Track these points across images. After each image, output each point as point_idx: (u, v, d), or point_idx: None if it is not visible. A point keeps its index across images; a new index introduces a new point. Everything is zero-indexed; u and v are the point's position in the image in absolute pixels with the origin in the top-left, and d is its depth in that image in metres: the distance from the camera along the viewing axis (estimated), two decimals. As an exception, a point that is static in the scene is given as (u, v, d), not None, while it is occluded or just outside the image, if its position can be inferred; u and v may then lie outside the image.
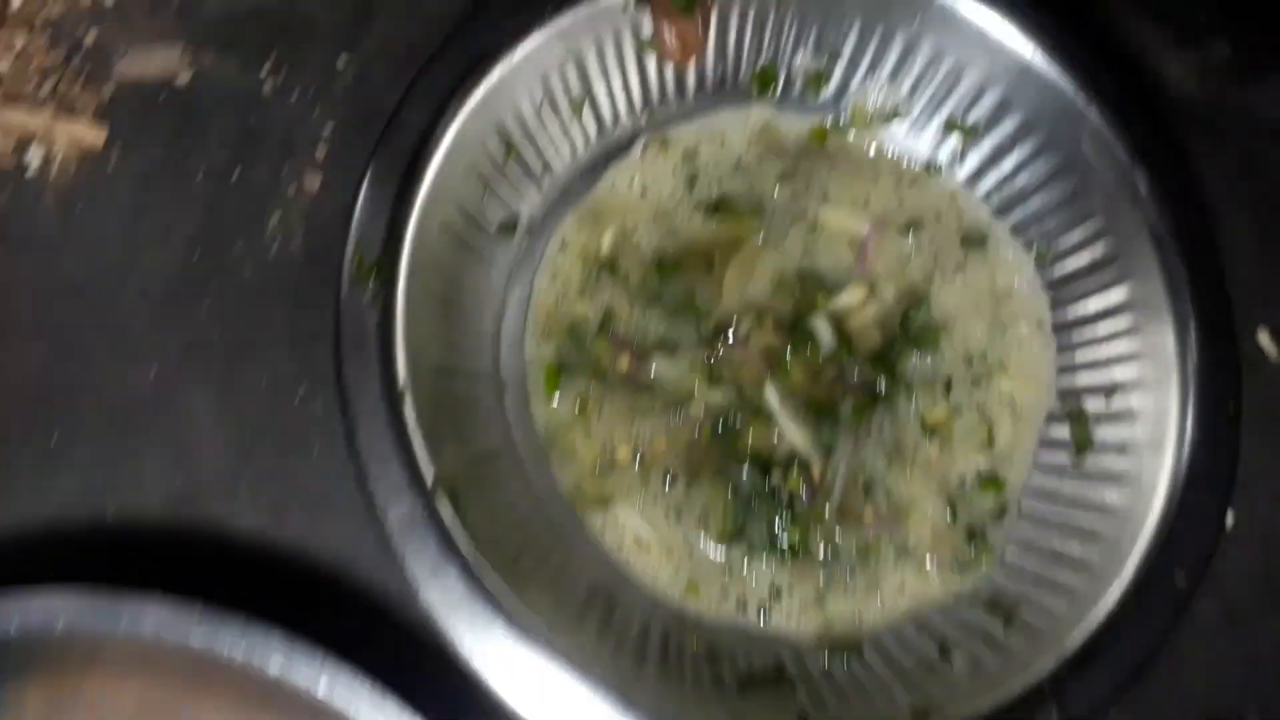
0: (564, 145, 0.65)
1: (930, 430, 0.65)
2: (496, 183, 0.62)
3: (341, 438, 0.54)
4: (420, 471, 0.52)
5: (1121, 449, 0.62)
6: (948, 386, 0.65)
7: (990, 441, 0.65)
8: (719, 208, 0.67)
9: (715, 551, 0.63)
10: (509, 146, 0.62)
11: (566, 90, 0.64)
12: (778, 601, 0.62)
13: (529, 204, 0.65)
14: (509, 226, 0.64)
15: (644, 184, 0.67)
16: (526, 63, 0.60)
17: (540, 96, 0.62)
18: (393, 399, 0.53)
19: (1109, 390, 0.63)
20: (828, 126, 0.69)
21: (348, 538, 0.60)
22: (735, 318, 0.65)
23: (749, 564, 0.63)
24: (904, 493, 0.64)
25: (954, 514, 0.64)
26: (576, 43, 0.61)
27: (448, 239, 0.59)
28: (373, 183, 0.55)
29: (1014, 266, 0.67)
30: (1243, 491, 0.66)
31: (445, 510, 0.52)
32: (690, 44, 0.57)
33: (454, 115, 0.58)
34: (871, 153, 0.69)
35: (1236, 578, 0.68)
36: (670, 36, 0.57)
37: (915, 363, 0.66)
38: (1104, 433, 0.63)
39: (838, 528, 0.63)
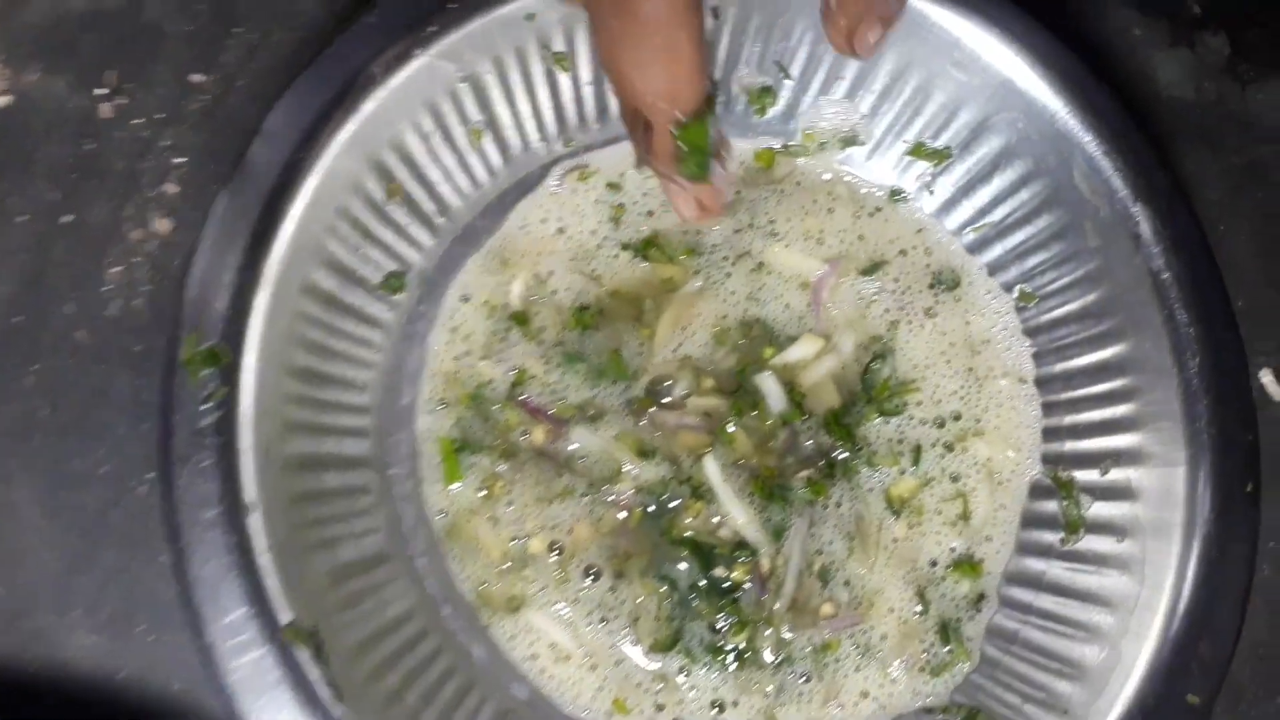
0: (462, 180, 0.55)
1: (897, 506, 0.55)
2: (377, 229, 0.52)
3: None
4: (271, 612, 0.42)
5: (1120, 531, 0.53)
6: (916, 454, 0.56)
7: (966, 516, 0.56)
8: (649, 247, 0.57)
9: (647, 661, 0.53)
10: (391, 185, 0.51)
11: (462, 117, 0.53)
12: (721, 718, 0.53)
13: (421, 251, 0.54)
14: (395, 279, 0.53)
15: (560, 221, 0.57)
16: (409, 87, 0.49)
17: (429, 125, 0.52)
18: (235, 520, 0.42)
19: (1104, 460, 0.54)
20: (776, 150, 0.59)
21: (151, 665, 0.50)
22: (669, 378, 0.55)
23: (687, 674, 0.53)
24: (867, 582, 0.55)
25: (925, 605, 0.55)
26: (470, 62, 0.51)
27: (315, 302, 0.49)
28: (214, 242, 0.45)
29: (992, 313, 0.58)
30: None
31: (302, 657, 0.42)
32: (710, 207, 0.46)
33: (319, 152, 0.47)
34: (826, 179, 0.59)
35: (1240, 653, 0.60)
36: (683, 203, 0.46)
37: (879, 426, 0.56)
38: (1099, 510, 0.54)
39: (790, 627, 0.54)
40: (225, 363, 0.44)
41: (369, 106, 0.48)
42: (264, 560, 0.43)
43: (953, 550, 0.56)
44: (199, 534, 0.42)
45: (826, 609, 0.54)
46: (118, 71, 0.57)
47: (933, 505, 0.56)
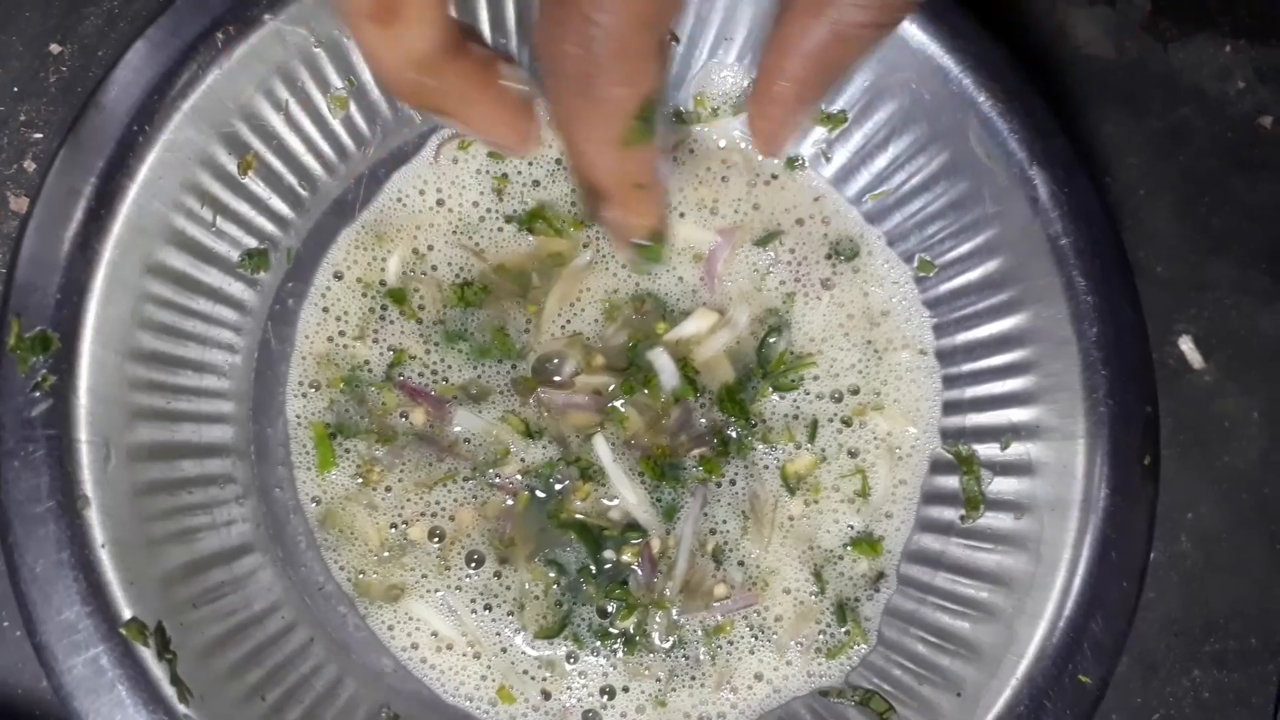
0: (328, 150, 0.52)
1: (793, 483, 0.54)
2: (232, 203, 0.49)
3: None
4: (109, 609, 0.40)
5: (1018, 508, 0.51)
6: (812, 429, 0.54)
7: (865, 492, 0.54)
8: (535, 219, 0.55)
9: (533, 647, 0.51)
10: (245, 158, 0.49)
11: (322, 84, 0.50)
12: (610, 704, 0.51)
13: (285, 226, 0.52)
14: (257, 256, 0.51)
15: (439, 192, 0.55)
16: (256, 54, 0.47)
17: (283, 93, 0.49)
18: (69, 515, 0.40)
19: (1004, 434, 0.52)
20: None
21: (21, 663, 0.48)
22: (557, 355, 0.53)
23: (575, 660, 0.52)
24: (762, 562, 0.53)
25: (821, 585, 0.53)
26: (324, 26, 0.48)
27: (163, 282, 0.46)
28: (43, 221, 0.42)
29: (891, 283, 0.56)
30: (1161, 523, 0.58)
31: (143, 655, 0.40)
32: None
33: (159, 124, 0.44)
34: (722, 146, 0.57)
35: (1154, 625, 0.59)
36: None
37: (774, 402, 0.54)
38: (999, 486, 0.52)
39: (681, 609, 0.52)
40: (56, 349, 0.41)
41: (212, 75, 0.45)
42: (101, 555, 0.41)
43: (851, 528, 0.54)
44: (29, 529, 0.40)
45: (720, 590, 0.53)
46: (-31, 42, 0.54)
47: (830, 482, 0.54)
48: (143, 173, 0.44)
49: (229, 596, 0.46)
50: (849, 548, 0.54)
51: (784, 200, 0.56)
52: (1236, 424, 0.62)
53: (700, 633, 0.52)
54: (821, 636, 0.53)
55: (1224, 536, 0.60)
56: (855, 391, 0.55)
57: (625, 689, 0.52)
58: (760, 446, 0.54)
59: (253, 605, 0.47)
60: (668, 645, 0.52)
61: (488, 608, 0.52)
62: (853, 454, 0.55)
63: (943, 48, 0.51)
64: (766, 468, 0.54)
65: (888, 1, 0.32)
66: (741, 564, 0.53)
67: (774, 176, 0.56)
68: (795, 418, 0.54)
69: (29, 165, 0.54)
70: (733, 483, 0.54)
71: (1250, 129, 0.66)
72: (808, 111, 0.36)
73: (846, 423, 0.55)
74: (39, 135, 0.54)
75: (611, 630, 0.52)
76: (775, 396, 0.54)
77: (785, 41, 0.33)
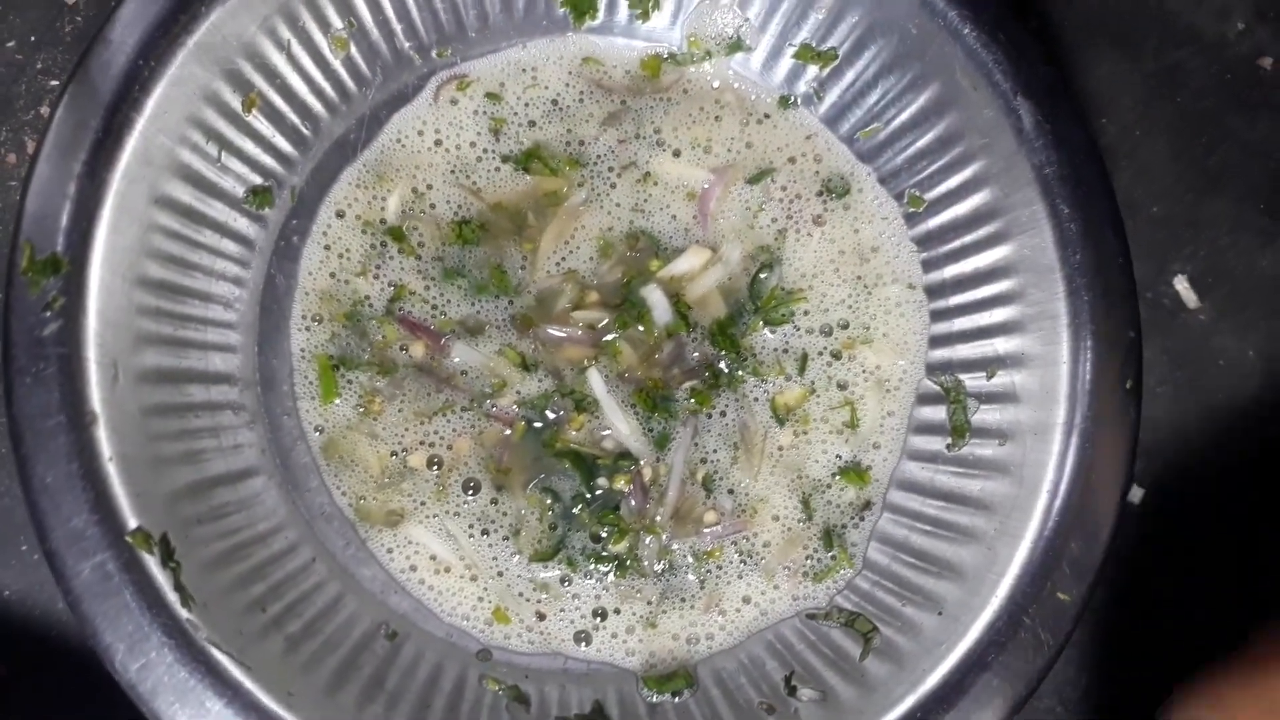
0: (329, 89, 0.54)
1: (783, 414, 0.55)
2: (237, 140, 0.51)
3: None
4: (115, 519, 0.42)
5: (1003, 435, 0.52)
6: (802, 362, 0.55)
7: (853, 423, 0.55)
8: (531, 159, 0.56)
9: (528, 570, 0.53)
10: (249, 95, 0.51)
11: (322, 24, 0.52)
12: (602, 625, 0.53)
13: (289, 165, 0.54)
14: (262, 193, 0.53)
15: (438, 133, 0.56)
16: (256, -9, 0.48)
17: (285, 33, 0.51)
18: (78, 429, 0.42)
19: (990, 365, 0.53)
20: (663, 58, 0.57)
21: (42, 589, 0.50)
22: (553, 290, 0.55)
23: (568, 583, 0.53)
24: (751, 490, 0.54)
25: (809, 512, 0.54)
26: (324, -34, 0.50)
27: (170, 214, 0.48)
28: (53, 152, 0.44)
29: (881, 219, 0.57)
30: (1152, 459, 0.59)
31: (148, 562, 0.42)
32: None
33: (164, 60, 0.46)
34: (715, 86, 0.58)
35: (1143, 561, 0.60)
36: None
37: (765, 336, 0.55)
38: (984, 415, 0.53)
39: (672, 535, 0.54)
40: (65, 271, 0.44)
41: (215, 13, 0.47)
42: (109, 468, 0.43)
43: (839, 458, 0.55)
44: (41, 442, 0.42)
45: (710, 517, 0.54)
46: (-12, -7, 0.57)
47: (819, 414, 0.55)
48: (149, 107, 0.46)
49: (233, 516, 0.48)
50: (837, 477, 0.55)
51: (776, 139, 0.57)
52: (1231, 362, 0.62)
53: (690, 558, 0.54)
54: (809, 562, 0.54)
55: (1217, 473, 0.61)
56: (845, 326, 0.56)
57: (617, 610, 0.53)
58: (751, 379, 0.55)
59: (256, 525, 0.49)
60: (659, 569, 0.54)
61: (484, 532, 0.53)
62: (842, 386, 0.56)
63: (928, -19, 0.52)
64: (756, 400, 0.55)
65: None
66: (731, 492, 0.54)
67: (766, 116, 0.58)
68: (785, 351, 0.56)
69: (45, 111, 0.56)
70: (723, 414, 0.55)
71: (1250, 69, 0.66)
72: None
73: (836, 356, 0.56)
74: (55, 82, 0.56)
75: (604, 554, 0.53)
76: (766, 331, 0.56)
77: None
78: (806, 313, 0.56)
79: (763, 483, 0.55)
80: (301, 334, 0.54)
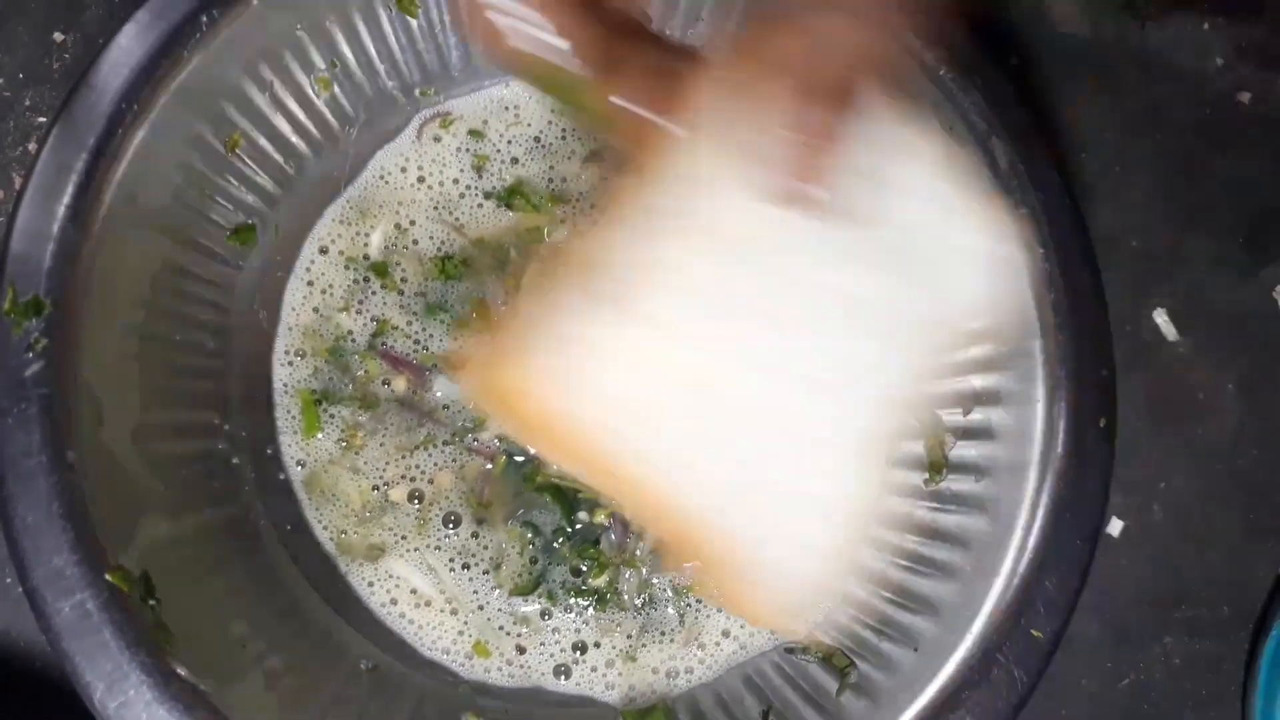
0: (313, 129, 0.55)
1: (766, 445, 0.55)
2: (220, 181, 0.52)
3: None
4: (95, 558, 0.43)
5: (979, 471, 0.52)
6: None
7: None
8: (513, 195, 0.57)
9: (509, 604, 0.54)
10: (232, 136, 0.51)
11: (305, 65, 0.53)
12: (582, 658, 0.53)
13: (273, 203, 0.55)
14: (245, 231, 0.53)
15: (420, 170, 0.57)
16: (241, 36, 0.49)
17: (268, 74, 0.51)
18: (59, 470, 0.43)
19: (966, 400, 0.53)
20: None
21: (25, 623, 0.51)
22: (534, 325, 0.55)
23: (549, 617, 0.54)
24: (733, 524, 0.54)
25: (791, 547, 0.54)
26: (308, 10, 0.50)
27: (152, 255, 0.49)
28: (36, 194, 0.45)
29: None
30: (1134, 493, 0.59)
31: (129, 601, 0.42)
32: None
33: (146, 104, 0.47)
34: (696, 123, 0.58)
35: (1125, 592, 0.60)
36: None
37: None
38: (961, 451, 0.54)
39: (651, 569, 0.54)
40: (48, 313, 0.44)
41: (197, 58, 0.47)
42: (90, 508, 0.43)
43: (822, 491, 0.55)
44: (22, 483, 0.43)
45: (690, 552, 0.54)
46: (-23, 31, 0.58)
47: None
48: (131, 150, 0.47)
49: (214, 552, 0.49)
50: (818, 509, 0.55)
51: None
52: (1210, 396, 0.62)
53: (670, 592, 0.54)
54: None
55: (1197, 507, 0.61)
56: None
57: (597, 644, 0.54)
58: None
59: (235, 562, 0.50)
60: (638, 603, 0.54)
61: (465, 566, 0.54)
62: None
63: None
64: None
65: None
66: (712, 526, 0.55)
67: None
68: None
69: (33, 147, 0.56)
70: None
71: (1229, 106, 0.66)
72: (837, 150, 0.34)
73: None
74: (42, 119, 0.57)
75: (584, 587, 0.54)
76: None
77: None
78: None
79: (742, 516, 0.55)
80: (284, 369, 0.54)
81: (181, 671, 0.43)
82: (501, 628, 0.54)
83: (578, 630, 0.54)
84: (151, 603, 0.44)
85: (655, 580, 0.54)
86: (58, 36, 0.58)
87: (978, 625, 0.49)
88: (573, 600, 0.54)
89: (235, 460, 0.52)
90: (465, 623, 0.53)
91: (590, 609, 0.54)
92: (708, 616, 0.54)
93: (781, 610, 0.36)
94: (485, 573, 0.54)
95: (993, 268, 0.38)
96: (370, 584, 0.53)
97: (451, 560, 0.54)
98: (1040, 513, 0.50)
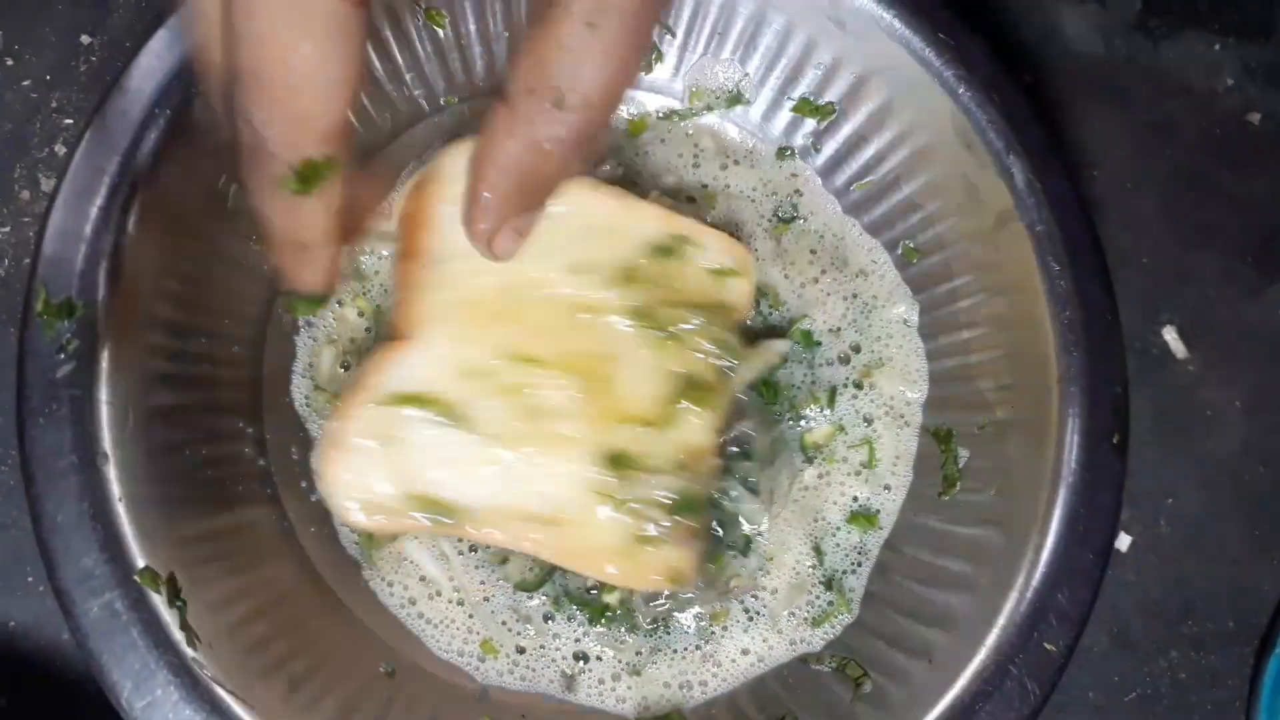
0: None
1: (811, 452, 0.56)
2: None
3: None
4: (124, 558, 0.43)
5: (993, 484, 0.53)
6: (831, 395, 0.56)
7: (870, 463, 0.56)
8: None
9: (512, 599, 0.54)
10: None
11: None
12: (585, 668, 0.53)
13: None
14: (271, 235, 0.54)
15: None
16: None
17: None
18: (89, 470, 0.43)
19: (981, 412, 0.54)
20: (660, 117, 0.59)
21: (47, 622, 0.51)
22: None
23: (551, 620, 0.54)
24: (769, 536, 0.55)
25: (820, 557, 0.55)
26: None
27: (182, 254, 0.49)
28: (69, 196, 0.45)
29: (877, 276, 0.58)
30: (1142, 507, 0.60)
31: (156, 602, 0.43)
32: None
33: (179, 110, 0.47)
34: (689, 134, 0.59)
35: (1132, 604, 0.61)
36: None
37: (790, 369, 0.56)
38: (976, 463, 0.54)
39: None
40: (80, 315, 0.45)
41: (229, 64, 0.48)
42: (118, 508, 0.44)
43: (855, 499, 0.56)
44: (52, 482, 0.43)
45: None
46: (5, 33, 0.58)
47: (841, 452, 0.56)
48: (163, 153, 0.47)
49: (239, 555, 0.49)
50: (848, 520, 0.56)
51: (752, 179, 0.59)
52: (1218, 413, 0.63)
53: (693, 623, 0.54)
54: (810, 607, 0.55)
55: (1203, 522, 0.61)
56: (857, 349, 0.57)
57: (599, 657, 0.54)
58: (787, 417, 0.56)
59: (261, 565, 0.50)
60: (649, 624, 0.54)
61: (473, 549, 0.54)
62: (868, 420, 0.56)
63: (924, 41, 0.53)
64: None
65: (584, 119, 0.35)
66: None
67: (738, 161, 0.59)
68: (813, 383, 0.56)
69: (60, 149, 0.57)
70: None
71: (1239, 125, 0.67)
72: (521, 219, 0.40)
73: (859, 386, 0.57)
74: (69, 121, 0.57)
75: (588, 598, 0.54)
76: (792, 365, 0.56)
77: (486, 156, 0.37)
78: (818, 341, 0.57)
79: (781, 530, 0.55)
80: (307, 372, 0.55)
81: (208, 672, 0.43)
82: (504, 623, 0.53)
83: (578, 640, 0.54)
84: (178, 604, 0.44)
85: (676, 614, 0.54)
86: (85, 39, 0.58)
87: (991, 637, 0.49)
88: (575, 609, 0.54)
89: (261, 462, 0.52)
90: (471, 616, 0.53)
91: (590, 620, 0.53)
92: (731, 639, 0.54)
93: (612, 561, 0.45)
94: (492, 566, 0.54)
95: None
96: (390, 584, 0.53)
97: (460, 540, 0.53)
98: (1053, 526, 0.50)
